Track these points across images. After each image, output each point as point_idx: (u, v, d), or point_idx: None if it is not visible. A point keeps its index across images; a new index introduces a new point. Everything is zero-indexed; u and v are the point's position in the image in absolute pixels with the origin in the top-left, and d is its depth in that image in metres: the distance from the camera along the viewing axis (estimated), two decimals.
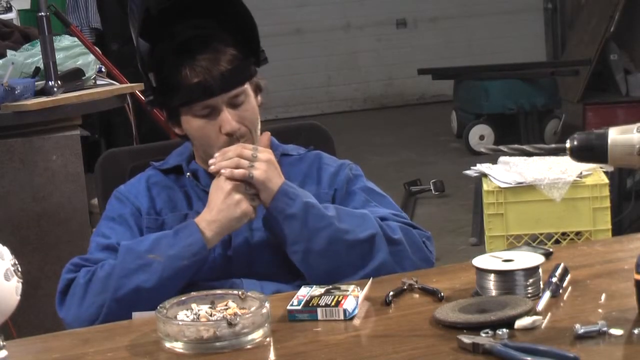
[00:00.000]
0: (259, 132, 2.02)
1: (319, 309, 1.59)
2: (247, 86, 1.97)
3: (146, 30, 1.95)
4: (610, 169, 3.45)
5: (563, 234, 3.38)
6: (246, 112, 1.96)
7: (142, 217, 1.99)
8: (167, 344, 1.52)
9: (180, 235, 1.82)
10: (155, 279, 1.78)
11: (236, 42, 1.96)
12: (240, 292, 1.60)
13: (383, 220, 1.92)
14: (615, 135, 1.50)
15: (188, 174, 2.02)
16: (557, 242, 3.38)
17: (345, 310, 1.58)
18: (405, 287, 1.69)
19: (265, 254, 1.93)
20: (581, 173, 3.36)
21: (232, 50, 1.95)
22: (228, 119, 1.93)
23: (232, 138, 1.93)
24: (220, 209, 1.83)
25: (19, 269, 1.49)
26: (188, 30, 1.95)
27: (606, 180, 3.36)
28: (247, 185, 1.85)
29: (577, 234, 3.37)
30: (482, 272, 1.62)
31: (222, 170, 1.85)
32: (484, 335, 1.43)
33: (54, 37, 3.30)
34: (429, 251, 1.94)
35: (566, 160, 3.40)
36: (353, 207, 1.98)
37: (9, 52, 3.41)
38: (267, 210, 1.86)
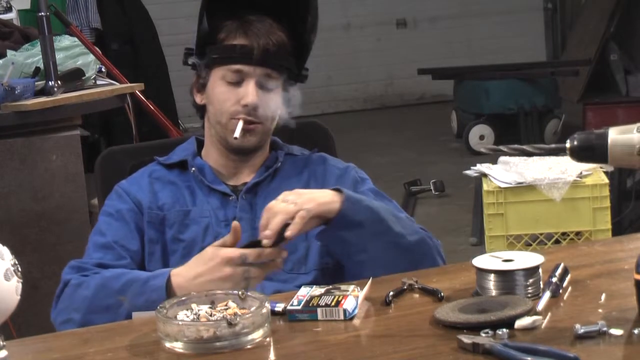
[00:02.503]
0: (272, 127, 2.03)
1: (319, 309, 1.59)
2: (281, 80, 1.99)
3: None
4: (610, 169, 3.45)
5: (563, 234, 3.37)
6: (270, 99, 1.97)
7: (143, 212, 1.98)
8: (167, 344, 1.51)
9: (150, 285, 1.76)
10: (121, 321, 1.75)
11: (292, 43, 2.01)
12: (240, 292, 1.60)
13: None
14: (615, 135, 1.50)
15: (193, 169, 2.02)
16: (557, 242, 3.38)
17: (345, 310, 1.58)
18: (405, 287, 1.69)
19: None
20: (581, 173, 3.36)
21: (284, 36, 1.98)
22: (253, 92, 1.95)
23: (248, 111, 1.94)
24: (201, 282, 1.71)
25: (19, 269, 1.49)
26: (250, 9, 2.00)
27: (606, 180, 3.35)
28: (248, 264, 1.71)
29: (577, 234, 3.37)
30: (482, 272, 1.62)
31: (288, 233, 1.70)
32: (484, 335, 1.43)
33: (54, 37, 3.30)
34: (442, 259, 1.95)
35: (566, 160, 3.40)
36: None
37: (9, 52, 3.41)
38: (331, 225, 1.80)
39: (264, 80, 1.96)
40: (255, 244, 1.72)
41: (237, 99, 1.96)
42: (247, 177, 2.04)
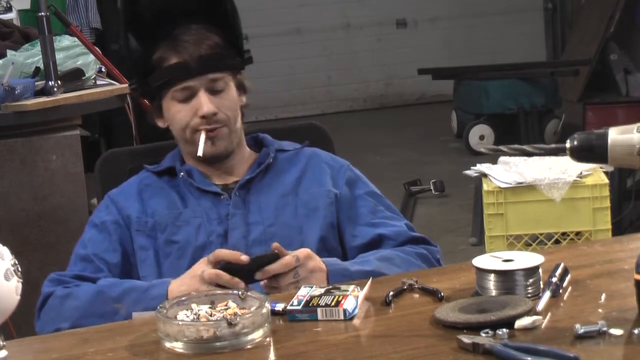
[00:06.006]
0: (238, 125, 2.05)
1: (319, 309, 1.59)
2: (228, 77, 2.02)
3: (138, 31, 2.02)
4: (610, 169, 3.45)
5: (563, 234, 3.37)
6: (225, 100, 2.00)
7: (130, 222, 2.00)
8: (167, 344, 1.52)
9: (150, 293, 1.80)
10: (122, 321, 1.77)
11: (222, 37, 2.02)
12: (240, 292, 1.60)
13: (402, 243, 1.98)
14: (615, 135, 1.50)
15: (182, 173, 2.04)
16: (557, 242, 3.38)
17: (345, 310, 1.58)
18: (405, 287, 1.69)
19: (262, 247, 1.95)
20: (581, 173, 3.36)
21: (215, 38, 2.01)
22: (206, 101, 1.97)
23: (209, 121, 1.97)
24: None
25: (19, 269, 1.49)
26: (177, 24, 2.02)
27: (606, 180, 3.35)
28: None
29: (577, 234, 3.37)
30: (482, 272, 1.62)
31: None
32: (484, 335, 1.44)
33: (54, 37, 3.30)
34: (440, 265, 1.99)
35: (566, 160, 3.40)
36: (362, 213, 2.03)
37: (9, 52, 3.41)
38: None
39: (212, 85, 1.99)
40: (234, 267, 1.74)
41: (194, 112, 1.98)
42: (233, 176, 2.07)
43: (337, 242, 2.03)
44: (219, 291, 1.66)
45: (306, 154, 2.10)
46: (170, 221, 1.99)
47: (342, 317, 1.58)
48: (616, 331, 1.42)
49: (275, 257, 1.76)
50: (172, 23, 2.01)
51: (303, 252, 1.80)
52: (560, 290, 1.61)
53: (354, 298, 1.61)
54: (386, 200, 2.09)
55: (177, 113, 2.00)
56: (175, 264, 1.95)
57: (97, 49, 3.77)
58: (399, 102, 9.25)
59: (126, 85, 3.62)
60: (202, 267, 1.76)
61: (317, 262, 1.81)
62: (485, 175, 3.50)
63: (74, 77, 3.34)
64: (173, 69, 1.98)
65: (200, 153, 1.98)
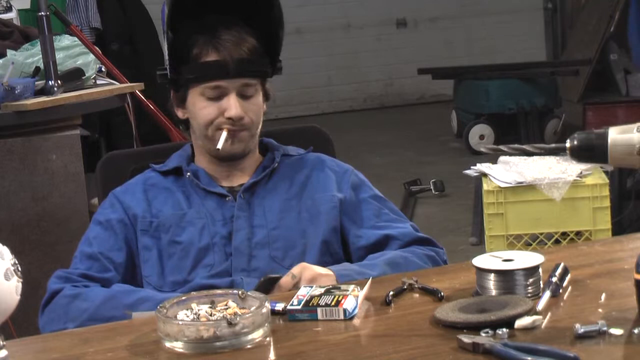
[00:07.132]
0: (258, 130, 2.05)
1: (319, 309, 1.59)
2: (259, 84, 2.02)
3: (177, 18, 2.00)
4: (610, 168, 3.45)
5: (563, 234, 3.38)
6: (253, 106, 2.00)
7: (136, 221, 2.00)
8: (167, 344, 1.52)
9: None
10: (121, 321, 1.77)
11: (259, 41, 2.01)
12: (240, 292, 1.60)
13: (408, 243, 1.99)
14: (615, 135, 1.50)
15: (188, 173, 2.03)
16: (557, 242, 3.38)
17: (345, 310, 1.58)
18: (405, 287, 1.69)
19: (265, 250, 1.95)
20: (581, 173, 3.36)
21: (253, 41, 1.99)
22: (236, 104, 1.96)
23: (234, 123, 1.96)
24: None
25: (19, 268, 1.49)
26: (216, 17, 2.00)
27: (606, 180, 3.36)
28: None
29: (577, 234, 3.37)
30: (482, 272, 1.62)
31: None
32: (484, 335, 1.44)
33: (54, 37, 3.30)
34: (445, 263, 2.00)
35: (566, 160, 3.40)
36: (366, 216, 2.03)
37: (9, 52, 3.41)
38: None
39: (244, 90, 1.99)
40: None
41: (220, 111, 1.98)
42: (240, 179, 2.06)
43: (340, 246, 2.03)
44: (219, 291, 1.65)
45: (311, 160, 2.11)
46: (175, 222, 1.98)
47: (342, 316, 1.58)
48: (616, 331, 1.42)
49: (275, 280, 1.79)
50: (215, 11, 2.00)
51: (297, 267, 1.82)
52: (560, 290, 1.61)
53: (354, 298, 1.61)
54: (390, 203, 2.10)
55: (202, 109, 1.99)
56: (178, 264, 1.95)
57: (97, 48, 3.78)
58: (399, 102, 9.26)
59: (126, 85, 3.63)
60: None
61: (314, 270, 1.82)
62: (485, 175, 3.50)
63: (74, 77, 3.34)
64: (211, 66, 1.96)
65: (219, 146, 1.96)
